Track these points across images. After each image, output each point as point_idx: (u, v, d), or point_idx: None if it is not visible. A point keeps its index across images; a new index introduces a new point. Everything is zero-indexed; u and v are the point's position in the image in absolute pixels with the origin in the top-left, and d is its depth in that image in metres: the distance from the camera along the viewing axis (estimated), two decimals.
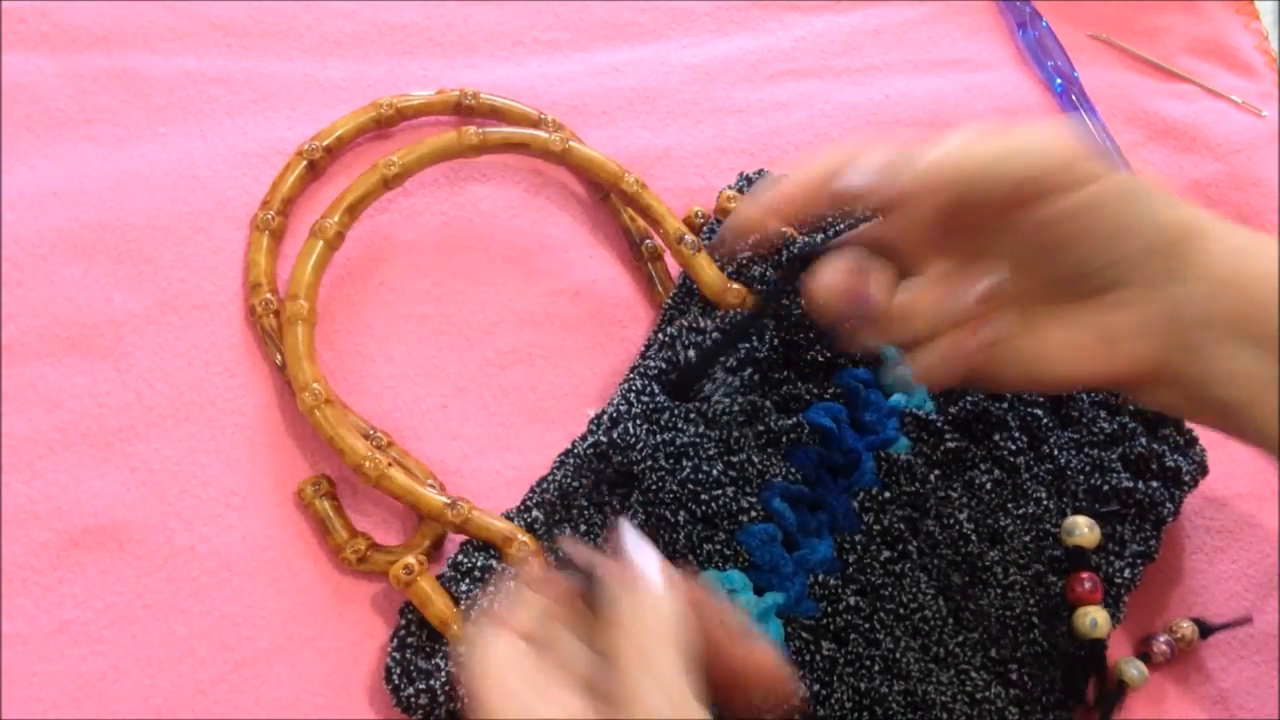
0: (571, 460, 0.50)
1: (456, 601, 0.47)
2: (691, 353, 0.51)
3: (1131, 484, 0.53)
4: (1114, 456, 0.54)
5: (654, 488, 0.48)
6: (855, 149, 0.43)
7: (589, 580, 0.37)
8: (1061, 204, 0.40)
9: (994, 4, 0.70)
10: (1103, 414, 0.54)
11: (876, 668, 0.48)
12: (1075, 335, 0.42)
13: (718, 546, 0.48)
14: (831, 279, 0.44)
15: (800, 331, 0.53)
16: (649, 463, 0.49)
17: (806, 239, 0.55)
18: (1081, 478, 0.53)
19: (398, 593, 0.47)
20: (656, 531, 0.49)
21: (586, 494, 0.49)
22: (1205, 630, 0.54)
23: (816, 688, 0.47)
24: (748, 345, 0.52)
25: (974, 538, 0.51)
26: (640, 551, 0.37)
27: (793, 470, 0.50)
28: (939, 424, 0.52)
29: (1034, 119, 0.67)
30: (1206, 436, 0.55)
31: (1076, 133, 0.41)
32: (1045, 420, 0.53)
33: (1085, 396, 0.55)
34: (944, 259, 0.44)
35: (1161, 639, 0.53)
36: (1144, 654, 0.53)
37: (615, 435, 0.49)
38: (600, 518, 0.48)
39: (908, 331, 0.44)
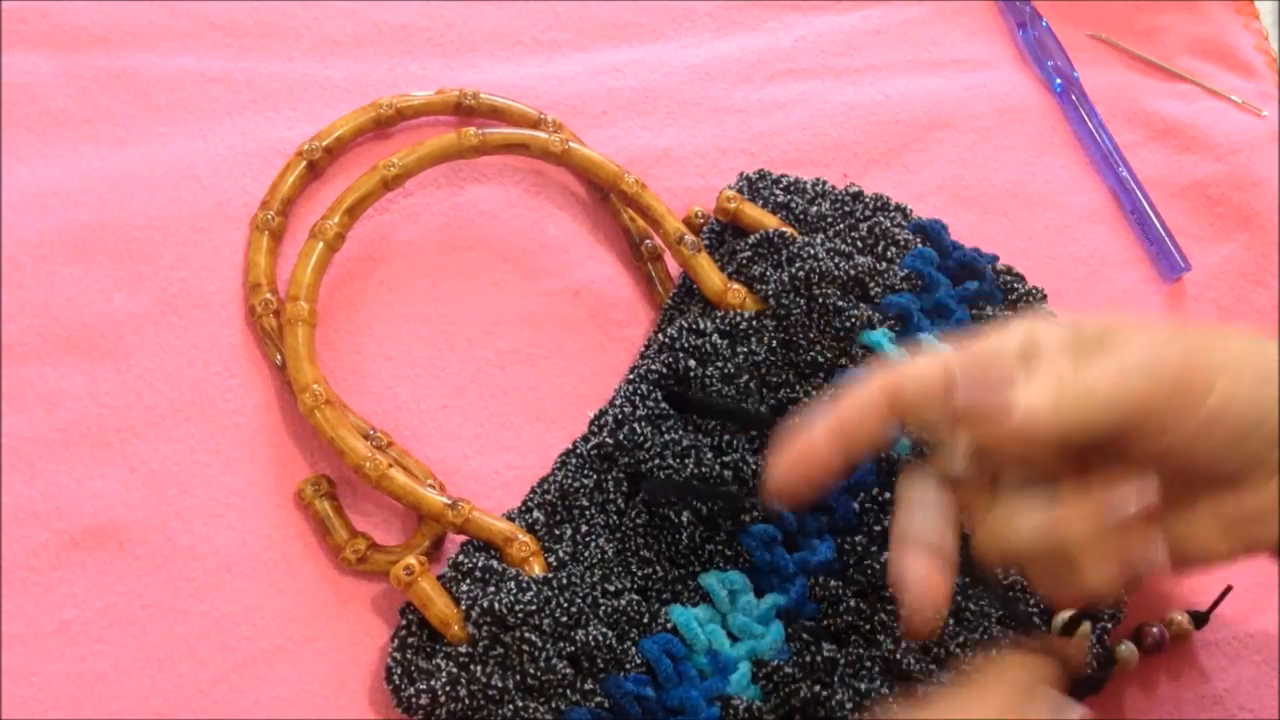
0: (573, 461, 0.50)
1: (457, 602, 0.47)
2: (691, 358, 0.51)
3: None
4: None
5: (658, 486, 0.48)
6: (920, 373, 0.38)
7: None
8: (1185, 427, 0.37)
9: (994, 4, 0.70)
10: None
11: (877, 669, 0.48)
12: (1210, 525, 0.39)
13: (719, 547, 0.48)
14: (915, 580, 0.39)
15: (799, 332, 0.53)
16: (655, 462, 0.49)
17: (805, 240, 0.55)
18: None
19: (398, 593, 0.47)
20: (660, 532, 0.49)
21: (588, 494, 0.49)
22: (1198, 619, 0.54)
23: (817, 689, 0.47)
24: (745, 350, 0.52)
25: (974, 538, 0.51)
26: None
27: None
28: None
29: (1033, 117, 0.67)
30: None
31: (1174, 334, 0.38)
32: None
33: None
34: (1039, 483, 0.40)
35: (1154, 627, 0.53)
36: (1136, 638, 0.53)
37: (621, 436, 0.49)
38: (602, 518, 0.48)
39: (1057, 568, 0.38)
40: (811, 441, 0.39)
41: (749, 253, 0.54)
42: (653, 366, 0.51)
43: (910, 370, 0.39)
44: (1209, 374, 0.37)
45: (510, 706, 0.45)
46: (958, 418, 0.38)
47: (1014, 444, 0.38)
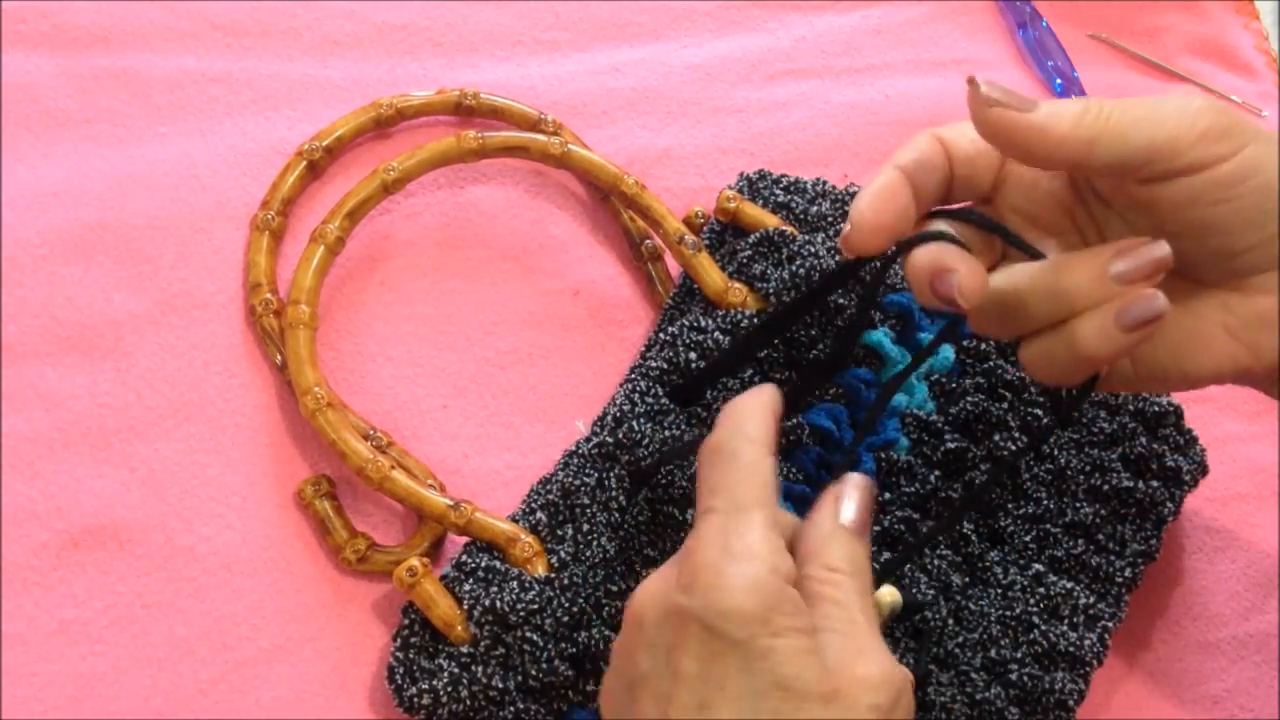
0: (575, 460, 0.50)
1: (460, 602, 0.47)
2: (693, 354, 0.51)
3: (1132, 484, 0.53)
4: (1114, 456, 0.53)
5: (663, 483, 0.48)
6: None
7: None
8: (1203, 179, 0.36)
9: (994, 4, 0.70)
10: (1103, 414, 0.54)
11: None
12: (1218, 323, 0.38)
13: None
14: (916, 273, 0.39)
15: (800, 331, 0.53)
16: (658, 458, 0.49)
17: (806, 238, 0.55)
18: (1082, 478, 0.53)
19: (398, 593, 0.47)
20: (663, 530, 0.49)
21: (589, 493, 0.49)
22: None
23: None
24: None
25: (974, 538, 0.51)
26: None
27: (794, 470, 0.50)
28: (939, 425, 0.52)
29: None
30: (1206, 436, 0.55)
31: (1221, 106, 0.37)
32: (1045, 420, 0.53)
33: None
34: (1058, 242, 0.40)
35: None
36: None
37: (621, 434, 0.49)
38: (604, 516, 0.48)
39: (1044, 313, 0.38)
40: (888, 187, 0.39)
41: (749, 251, 0.54)
42: (653, 363, 0.51)
43: (954, 125, 0.40)
44: (1241, 136, 0.37)
45: (512, 707, 0.45)
46: (988, 127, 0.37)
47: (1036, 155, 0.37)
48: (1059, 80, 0.67)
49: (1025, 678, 0.49)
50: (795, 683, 0.33)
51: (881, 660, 0.35)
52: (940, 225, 0.40)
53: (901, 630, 0.49)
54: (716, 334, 0.52)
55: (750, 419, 0.37)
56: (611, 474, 0.49)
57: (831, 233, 0.56)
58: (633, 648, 0.35)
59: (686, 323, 0.52)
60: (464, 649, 0.46)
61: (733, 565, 0.34)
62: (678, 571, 0.35)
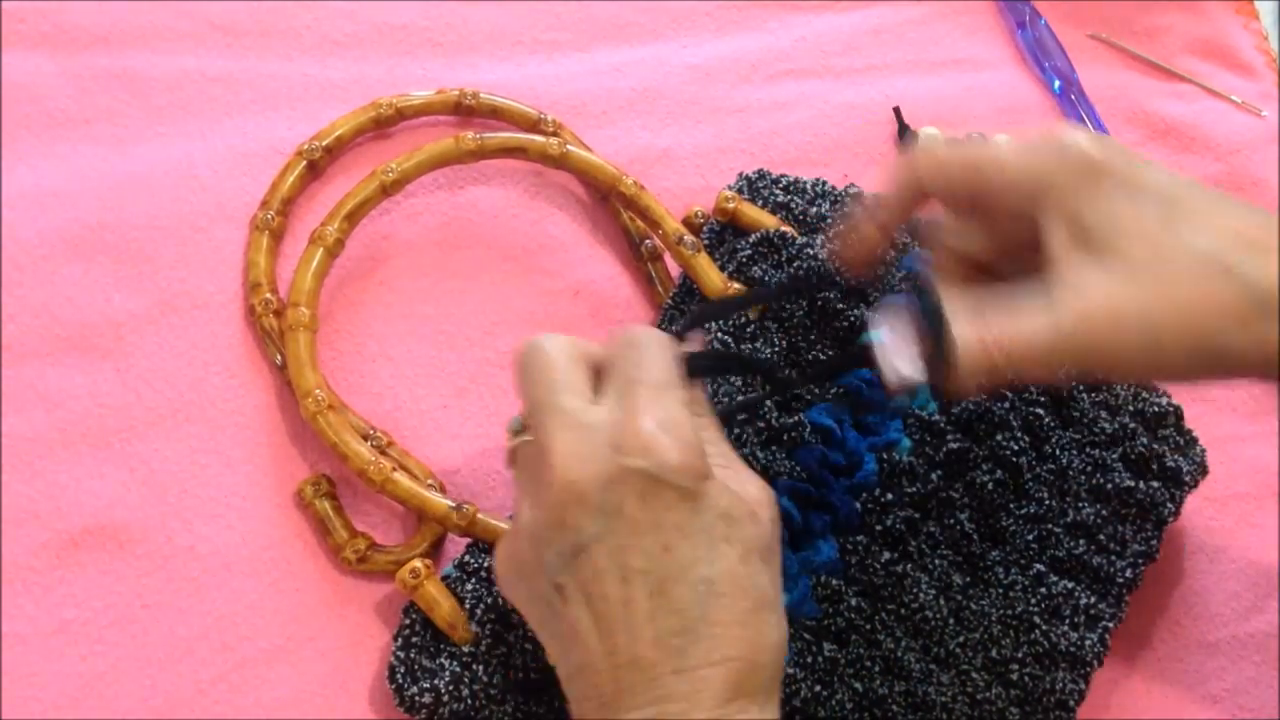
0: None
1: (461, 602, 0.47)
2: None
3: (1132, 484, 0.53)
4: (1115, 456, 0.53)
5: None
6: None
7: None
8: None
9: (994, 4, 0.70)
10: (1104, 414, 0.54)
11: (877, 668, 0.48)
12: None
13: None
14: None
15: (800, 333, 0.53)
16: None
17: (806, 239, 0.55)
18: (1083, 478, 0.53)
19: (398, 592, 0.47)
20: None
21: None
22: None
23: (818, 689, 0.47)
24: (750, 347, 0.52)
25: (975, 538, 0.51)
26: None
27: (797, 469, 0.50)
28: (941, 425, 0.52)
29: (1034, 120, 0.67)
30: (1206, 436, 0.55)
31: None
32: (1047, 420, 0.53)
33: (1086, 396, 0.55)
34: None
35: None
36: None
37: None
38: None
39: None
40: (859, 226, 0.46)
41: (749, 252, 0.54)
42: None
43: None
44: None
45: (512, 706, 0.45)
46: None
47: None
48: (1058, 80, 0.67)
49: (1026, 678, 0.49)
50: (732, 510, 0.39)
51: (760, 482, 0.42)
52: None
53: (903, 630, 0.49)
54: (718, 335, 0.52)
55: (649, 329, 0.42)
56: None
57: (831, 234, 0.56)
58: (572, 518, 0.38)
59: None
60: (466, 648, 0.46)
61: (669, 430, 0.38)
62: (611, 442, 0.38)
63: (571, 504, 0.38)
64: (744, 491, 0.40)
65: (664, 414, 0.39)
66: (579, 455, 0.38)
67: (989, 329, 0.40)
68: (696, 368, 0.42)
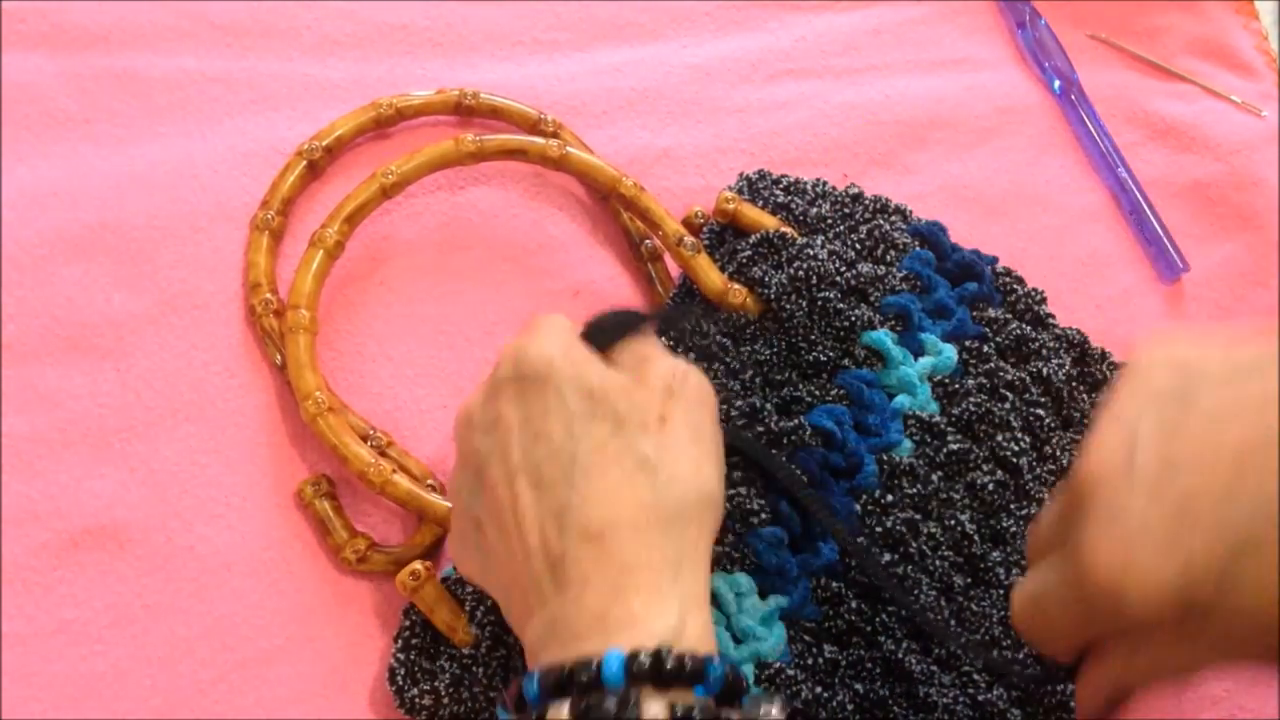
0: None
1: (461, 603, 0.47)
2: (693, 355, 0.51)
3: None
4: None
5: None
6: None
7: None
8: None
9: (994, 4, 0.70)
10: None
11: (878, 670, 0.48)
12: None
13: (726, 548, 0.48)
14: None
15: (800, 334, 0.53)
16: None
17: (806, 239, 0.55)
18: None
19: (398, 593, 0.47)
20: None
21: None
22: None
23: (819, 690, 0.47)
24: (750, 349, 0.52)
25: (976, 539, 0.51)
26: None
27: (797, 470, 0.50)
28: (942, 425, 0.52)
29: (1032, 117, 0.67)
30: None
31: None
32: (1047, 420, 0.53)
33: (1086, 396, 0.55)
34: None
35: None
36: None
37: None
38: None
39: None
40: None
41: (749, 253, 0.54)
42: None
43: None
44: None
45: None
46: None
47: None
48: (1058, 80, 0.67)
49: (1027, 679, 0.49)
50: (598, 387, 0.39)
51: (671, 359, 0.42)
52: None
53: (904, 631, 0.49)
54: (719, 337, 0.52)
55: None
56: None
57: (830, 235, 0.56)
58: (466, 444, 0.41)
59: (688, 326, 0.52)
60: (466, 650, 0.46)
61: (533, 335, 0.40)
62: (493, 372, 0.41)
63: (463, 431, 0.41)
64: (637, 368, 0.41)
65: (533, 332, 0.41)
66: (475, 394, 0.41)
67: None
68: (595, 332, 0.43)
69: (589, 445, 0.39)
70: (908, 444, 0.52)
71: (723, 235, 0.57)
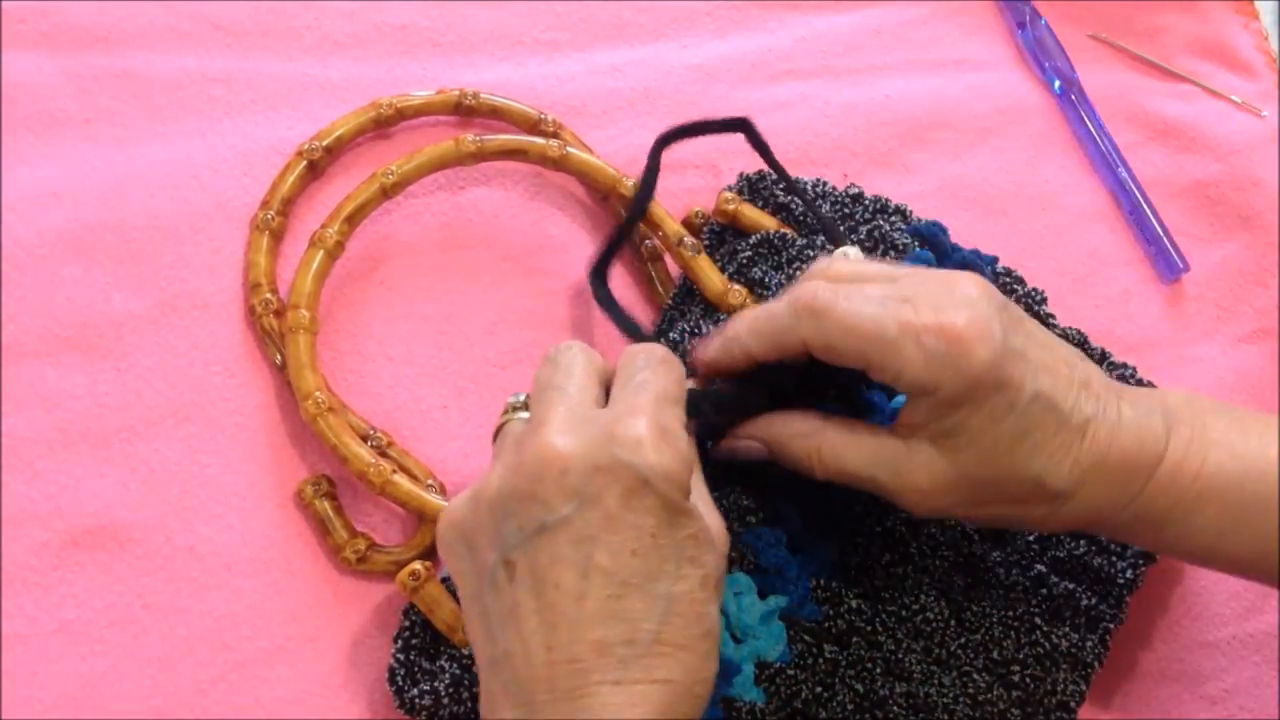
0: None
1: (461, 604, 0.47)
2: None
3: None
4: None
5: None
6: None
7: None
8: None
9: (994, 4, 0.70)
10: None
11: (878, 670, 0.48)
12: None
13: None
14: None
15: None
16: None
17: (806, 240, 0.55)
18: None
19: (398, 593, 0.47)
20: None
21: None
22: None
23: (819, 690, 0.47)
24: None
25: (976, 539, 0.51)
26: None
27: (797, 474, 0.50)
28: None
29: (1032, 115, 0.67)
30: None
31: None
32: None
33: None
34: None
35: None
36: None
37: None
38: None
39: None
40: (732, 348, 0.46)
41: (749, 253, 0.54)
42: None
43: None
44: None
45: None
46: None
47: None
48: (1058, 80, 0.67)
49: (1027, 678, 0.49)
50: (702, 535, 0.39)
51: (721, 522, 0.42)
52: None
53: (904, 631, 0.49)
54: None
55: (669, 351, 0.43)
56: None
57: (830, 235, 0.56)
58: (545, 492, 0.37)
59: (687, 327, 0.52)
60: (465, 651, 0.46)
61: (666, 437, 0.38)
62: (606, 431, 0.38)
63: (551, 476, 0.37)
64: (712, 523, 0.41)
65: (664, 421, 0.38)
66: (572, 430, 0.38)
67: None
68: (696, 404, 0.42)
69: (682, 590, 0.38)
70: None
71: (723, 236, 0.57)
